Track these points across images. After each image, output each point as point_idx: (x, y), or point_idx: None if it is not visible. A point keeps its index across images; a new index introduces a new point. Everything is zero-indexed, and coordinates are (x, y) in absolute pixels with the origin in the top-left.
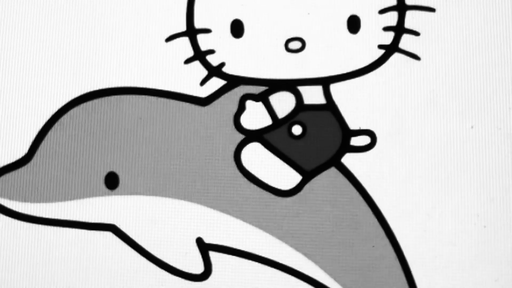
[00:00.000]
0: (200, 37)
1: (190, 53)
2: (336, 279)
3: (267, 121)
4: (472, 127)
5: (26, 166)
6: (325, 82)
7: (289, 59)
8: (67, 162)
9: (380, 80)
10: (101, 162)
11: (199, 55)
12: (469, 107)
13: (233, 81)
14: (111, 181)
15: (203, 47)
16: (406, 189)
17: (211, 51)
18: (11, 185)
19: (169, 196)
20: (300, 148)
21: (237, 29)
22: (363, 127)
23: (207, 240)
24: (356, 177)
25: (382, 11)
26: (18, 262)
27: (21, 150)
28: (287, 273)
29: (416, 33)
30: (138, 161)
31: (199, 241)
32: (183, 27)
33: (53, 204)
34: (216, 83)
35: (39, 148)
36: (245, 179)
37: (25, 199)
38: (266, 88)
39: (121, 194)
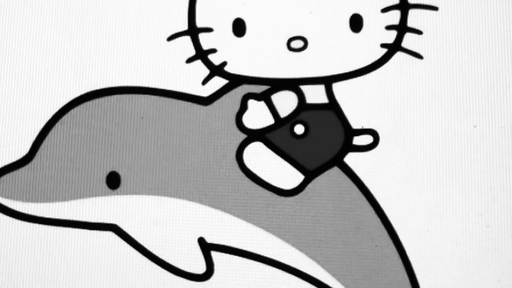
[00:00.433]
0: (202, 36)
1: (192, 52)
2: (338, 279)
3: (269, 120)
4: (475, 126)
5: (27, 166)
6: (327, 81)
7: (291, 58)
8: (69, 162)
9: (383, 79)
10: (102, 162)
11: (201, 54)
12: (472, 106)
13: (235, 80)
14: (113, 181)
15: (205, 46)
16: (409, 188)
17: (213, 50)
18: (13, 185)
19: (170, 196)
20: (302, 148)
21: (239, 28)
22: (366, 126)
23: (209, 240)
24: (358, 177)
25: (385, 10)
26: (19, 262)
27: (23, 150)
28: (289, 272)
29: (419, 32)
30: (139, 160)
31: (201, 241)
32: (185, 26)
33: (55, 204)
34: (218, 82)
35: (41, 147)
36: (247, 179)
37: (26, 199)
38: (268, 87)
39: (122, 193)
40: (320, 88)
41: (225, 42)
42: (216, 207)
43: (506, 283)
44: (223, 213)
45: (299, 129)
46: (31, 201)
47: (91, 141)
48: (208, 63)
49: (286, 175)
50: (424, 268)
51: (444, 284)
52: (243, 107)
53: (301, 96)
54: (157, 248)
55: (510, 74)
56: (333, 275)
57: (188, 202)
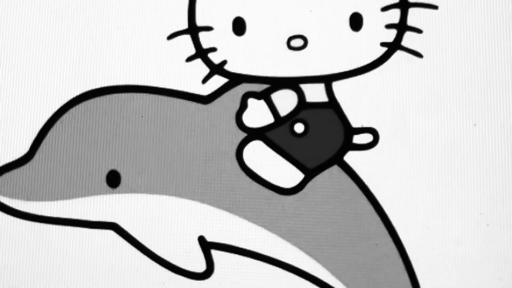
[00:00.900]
0: (202, 35)
1: (192, 51)
2: (338, 277)
3: (269, 119)
4: (475, 125)
5: (27, 165)
6: (327, 80)
7: (291, 57)
8: (69, 161)
9: (383, 78)
10: (102, 161)
11: (201, 53)
12: (472, 105)
13: (235, 79)
14: (113, 180)
15: (205, 45)
16: (409, 187)
17: (213, 49)
18: (13, 183)
19: (170, 195)
20: (302, 146)
21: (239, 26)
22: (366, 125)
23: (209, 238)
24: (358, 175)
25: (385, 9)
26: (19, 260)
27: (23, 149)
28: (289, 271)
29: (419, 31)
30: (139, 159)
31: (201, 240)
32: (185, 25)
33: (55, 202)
34: (218, 81)
35: (41, 146)
36: (247, 177)
37: (26, 198)
38: (268, 86)
39: (122, 192)
40: (320, 87)
41: (225, 41)
42: (216, 206)
43: (507, 282)
44: (223, 211)
45: (299, 127)
46: (31, 200)
47: (91, 140)
48: (208, 62)
49: (286, 174)
50: (425, 267)
51: (445, 282)
52: (243, 106)
53: (301, 94)
54: (157, 246)
55: (510, 72)
56: (333, 273)
57: (188, 200)
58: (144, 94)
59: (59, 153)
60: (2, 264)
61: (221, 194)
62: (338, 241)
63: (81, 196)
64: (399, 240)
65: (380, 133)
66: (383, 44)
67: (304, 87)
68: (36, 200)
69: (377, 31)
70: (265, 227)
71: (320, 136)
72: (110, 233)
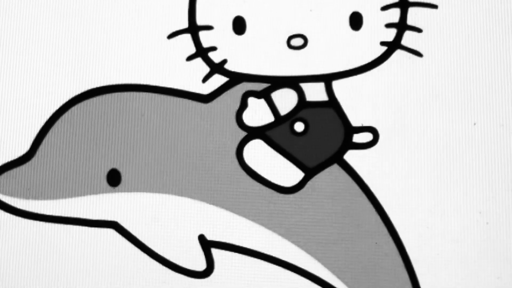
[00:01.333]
0: (202, 34)
1: (192, 50)
2: (338, 276)
3: (269, 118)
4: (474, 124)
5: (28, 163)
6: (327, 79)
7: (291, 56)
8: (69, 159)
9: (382, 77)
10: (103, 159)
11: (201, 52)
12: (471, 104)
13: (235, 78)
14: (113, 178)
15: (205, 44)
16: (409, 186)
17: (213, 48)
18: (13, 182)
19: (171, 193)
20: (302, 145)
21: (239, 26)
22: (366, 124)
23: (209, 237)
24: (358, 174)
25: (384, 8)
26: (19, 259)
27: (23, 147)
28: (289, 270)
29: (419, 30)
30: (140, 158)
31: (201, 238)
32: (185, 24)
33: (55, 201)
34: (218, 80)
35: (41, 145)
36: (248, 176)
37: (27, 196)
38: (268, 85)
39: (123, 191)
40: (320, 86)
41: (225, 40)
42: (216, 205)
43: (506, 281)
44: (223, 210)
45: (299, 126)
46: (32, 199)
47: (92, 139)
48: (208, 61)
49: (286, 173)
50: (424, 266)
51: (444, 281)
52: (243, 105)
53: (301, 93)
54: (157, 245)
55: (510, 72)
56: (333, 272)
57: (188, 199)
58: (145, 93)
59: (60, 152)
60: (3, 262)
61: (222, 192)
62: (338, 240)
63: (82, 195)
64: (399, 239)
65: (380, 132)
66: (383, 43)
67: (304, 86)
68: (37, 199)
69: (377, 30)
70: (265, 225)
71: (320, 135)
72: (111, 232)
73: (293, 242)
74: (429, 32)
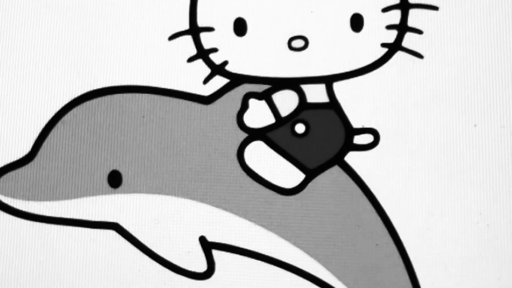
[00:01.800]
0: (203, 36)
1: (193, 51)
2: (339, 277)
3: (270, 119)
4: (475, 125)
5: (29, 165)
6: (328, 81)
7: (292, 58)
8: (70, 161)
9: (383, 79)
10: (104, 161)
11: (202, 54)
12: (472, 106)
13: (236, 80)
14: (114, 180)
15: (206, 45)
16: (409, 187)
17: (214, 50)
18: (14, 183)
19: (172, 195)
20: (303, 147)
21: (240, 27)
22: (366, 125)
23: (210, 238)
24: (359, 176)
25: (385, 10)
26: (20, 261)
27: (24, 149)
28: (290, 271)
29: (419, 32)
30: (141, 159)
31: (202, 240)
32: (186, 26)
33: (56, 202)
34: (219, 81)
35: (42, 146)
36: (248, 178)
37: (28, 198)
38: (269, 86)
39: (124, 192)
40: (321, 87)
41: (226, 42)
42: (217, 206)
43: (506, 282)
44: (224, 212)
45: (300, 128)
46: (33, 200)
47: (93, 140)
48: (209, 63)
49: (287, 174)
50: (425, 267)
51: (445, 282)
52: (244, 106)
53: (302, 95)
54: (158, 246)
55: (510, 73)
56: (334, 273)
57: (189, 201)
58: (146, 95)
59: (61, 153)
60: (4, 263)
61: (223, 194)
62: (338, 241)
63: (83, 196)
64: (399, 240)
65: (380, 133)
66: (383, 45)
67: (305, 87)
68: (38, 200)
69: (378, 32)
70: (266, 227)
71: (321, 137)
72: (111, 233)
73: (293, 243)
74: (430, 34)
